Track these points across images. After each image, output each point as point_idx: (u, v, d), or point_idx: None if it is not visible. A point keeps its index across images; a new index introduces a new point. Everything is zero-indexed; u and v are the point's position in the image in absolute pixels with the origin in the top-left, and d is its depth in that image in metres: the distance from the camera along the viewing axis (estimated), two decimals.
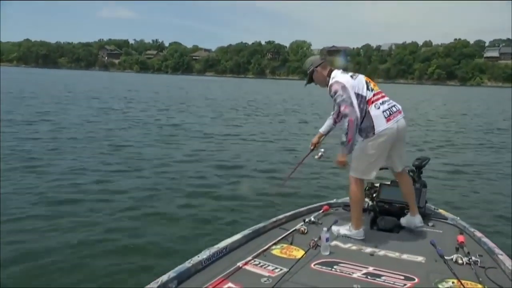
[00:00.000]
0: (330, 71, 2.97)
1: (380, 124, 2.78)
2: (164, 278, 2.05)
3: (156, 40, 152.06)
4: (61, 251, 3.70)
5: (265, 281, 2.19)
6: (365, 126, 2.81)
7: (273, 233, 2.92)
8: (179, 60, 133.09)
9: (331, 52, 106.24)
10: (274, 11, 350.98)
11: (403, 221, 3.06)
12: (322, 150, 3.30)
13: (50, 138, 9.40)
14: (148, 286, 1.97)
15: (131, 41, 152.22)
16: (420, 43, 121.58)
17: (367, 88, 2.88)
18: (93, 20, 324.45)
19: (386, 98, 2.94)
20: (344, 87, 2.80)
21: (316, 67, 3.00)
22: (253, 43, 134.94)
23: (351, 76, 2.92)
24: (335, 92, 2.81)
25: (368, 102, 2.83)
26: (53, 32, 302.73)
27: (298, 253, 2.54)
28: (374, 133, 2.77)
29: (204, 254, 2.39)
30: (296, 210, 3.36)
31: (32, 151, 7.93)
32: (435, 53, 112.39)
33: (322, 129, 3.34)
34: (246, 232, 2.82)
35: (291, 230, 2.88)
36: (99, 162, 7.34)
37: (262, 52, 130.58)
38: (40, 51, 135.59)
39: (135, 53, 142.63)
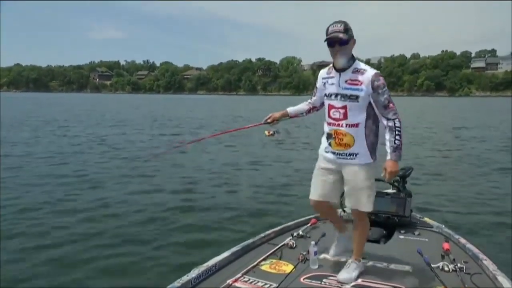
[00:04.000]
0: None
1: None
2: None
3: (147, 60, 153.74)
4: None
5: None
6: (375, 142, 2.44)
7: (262, 248, 2.91)
8: (171, 80, 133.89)
9: (321, 67, 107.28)
10: (263, 27, 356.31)
11: (342, 276, 2.44)
12: (276, 130, 2.91)
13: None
14: None
15: (122, 62, 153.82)
16: (408, 55, 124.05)
17: None
18: (83, 42, 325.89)
19: None
20: None
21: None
22: (243, 60, 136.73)
23: None
24: (384, 85, 2.33)
25: None
26: (44, 56, 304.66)
27: (287, 267, 2.56)
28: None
29: (193, 273, 2.38)
30: (285, 225, 3.37)
31: None
32: (423, 65, 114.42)
33: (291, 110, 2.82)
34: (234, 249, 2.80)
35: (279, 245, 2.89)
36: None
37: (253, 69, 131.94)
38: (31, 75, 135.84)
39: (126, 74, 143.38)
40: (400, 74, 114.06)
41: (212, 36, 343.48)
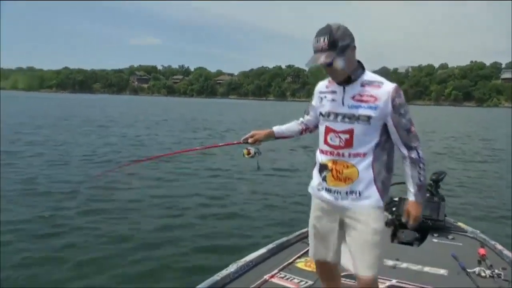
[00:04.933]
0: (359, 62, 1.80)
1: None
2: None
3: (183, 65, 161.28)
4: None
5: None
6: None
7: (297, 246, 2.97)
8: (204, 84, 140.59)
9: None
10: (293, 37, 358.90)
11: None
12: (257, 150, 2.22)
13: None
14: None
15: (159, 67, 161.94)
16: (436, 65, 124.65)
17: None
18: (124, 47, 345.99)
19: None
20: None
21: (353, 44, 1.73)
22: (273, 67, 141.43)
23: None
24: (405, 104, 1.74)
25: None
26: (89, 60, 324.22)
27: None
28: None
29: (232, 268, 2.46)
30: None
31: None
32: (451, 75, 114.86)
33: (278, 130, 2.15)
34: (270, 246, 2.88)
35: None
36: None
37: (283, 75, 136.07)
38: (77, 78, 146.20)
39: (162, 78, 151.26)
40: (427, 83, 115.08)
41: (244, 44, 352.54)
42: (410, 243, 3.16)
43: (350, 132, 1.72)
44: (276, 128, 2.17)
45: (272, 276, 2.49)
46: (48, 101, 53.29)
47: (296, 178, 8.36)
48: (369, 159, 1.73)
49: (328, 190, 1.80)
